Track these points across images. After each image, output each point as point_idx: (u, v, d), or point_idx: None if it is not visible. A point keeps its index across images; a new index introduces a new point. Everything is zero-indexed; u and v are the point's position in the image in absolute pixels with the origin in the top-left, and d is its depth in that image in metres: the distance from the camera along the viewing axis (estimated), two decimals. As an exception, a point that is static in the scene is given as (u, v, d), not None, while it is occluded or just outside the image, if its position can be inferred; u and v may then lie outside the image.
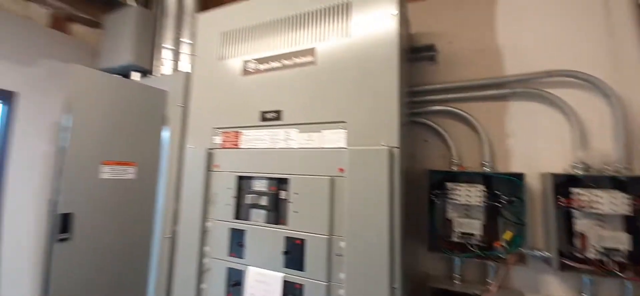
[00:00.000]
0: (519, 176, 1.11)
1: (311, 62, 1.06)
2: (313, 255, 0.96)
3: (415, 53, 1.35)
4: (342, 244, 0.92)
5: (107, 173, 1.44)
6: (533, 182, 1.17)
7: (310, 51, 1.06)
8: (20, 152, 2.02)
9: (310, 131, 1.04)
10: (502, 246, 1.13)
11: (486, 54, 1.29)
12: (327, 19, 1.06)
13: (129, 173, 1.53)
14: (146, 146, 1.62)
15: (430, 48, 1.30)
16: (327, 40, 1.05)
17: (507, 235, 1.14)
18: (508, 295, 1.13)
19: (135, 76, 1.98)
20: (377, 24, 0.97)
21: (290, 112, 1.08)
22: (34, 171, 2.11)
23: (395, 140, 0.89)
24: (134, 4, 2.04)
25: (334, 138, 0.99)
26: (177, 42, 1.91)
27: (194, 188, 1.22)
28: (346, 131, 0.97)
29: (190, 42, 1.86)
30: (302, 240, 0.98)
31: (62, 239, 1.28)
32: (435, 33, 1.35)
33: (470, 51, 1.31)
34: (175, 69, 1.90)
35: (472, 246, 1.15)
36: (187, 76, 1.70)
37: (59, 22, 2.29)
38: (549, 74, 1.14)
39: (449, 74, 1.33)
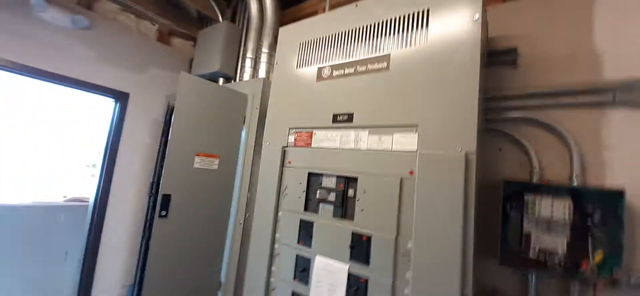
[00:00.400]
0: (619, 193, 0.99)
1: (384, 68, 1.12)
2: (379, 252, 1.00)
3: (493, 57, 1.29)
4: (410, 244, 0.95)
5: (198, 163, 1.71)
6: (634, 201, 1.02)
7: (385, 58, 1.12)
8: (127, 143, 2.50)
9: (381, 133, 1.09)
10: (592, 268, 1.02)
11: (579, 58, 1.17)
12: (403, 27, 1.10)
13: (214, 164, 1.78)
14: (227, 142, 1.86)
15: (512, 52, 1.24)
16: (403, 47, 1.09)
17: (598, 256, 1.02)
18: (598, 325, 1.00)
19: (220, 82, 2.29)
20: (457, 30, 0.98)
21: (362, 116, 1.15)
22: (137, 159, 2.58)
23: (472, 146, 0.88)
24: (222, 19, 2.36)
25: (405, 142, 1.02)
26: (257, 52, 2.16)
27: (270, 181, 1.37)
28: (418, 135, 1.00)
29: (268, 51, 2.07)
30: (368, 237, 1.03)
31: (162, 216, 1.55)
32: (517, 36, 1.28)
33: (559, 55, 1.20)
34: (254, 75, 2.14)
35: (554, 265, 1.06)
36: (265, 81, 1.90)
37: (163, 36, 2.77)
38: (664, 79, 0.99)
39: (532, 79, 1.24)
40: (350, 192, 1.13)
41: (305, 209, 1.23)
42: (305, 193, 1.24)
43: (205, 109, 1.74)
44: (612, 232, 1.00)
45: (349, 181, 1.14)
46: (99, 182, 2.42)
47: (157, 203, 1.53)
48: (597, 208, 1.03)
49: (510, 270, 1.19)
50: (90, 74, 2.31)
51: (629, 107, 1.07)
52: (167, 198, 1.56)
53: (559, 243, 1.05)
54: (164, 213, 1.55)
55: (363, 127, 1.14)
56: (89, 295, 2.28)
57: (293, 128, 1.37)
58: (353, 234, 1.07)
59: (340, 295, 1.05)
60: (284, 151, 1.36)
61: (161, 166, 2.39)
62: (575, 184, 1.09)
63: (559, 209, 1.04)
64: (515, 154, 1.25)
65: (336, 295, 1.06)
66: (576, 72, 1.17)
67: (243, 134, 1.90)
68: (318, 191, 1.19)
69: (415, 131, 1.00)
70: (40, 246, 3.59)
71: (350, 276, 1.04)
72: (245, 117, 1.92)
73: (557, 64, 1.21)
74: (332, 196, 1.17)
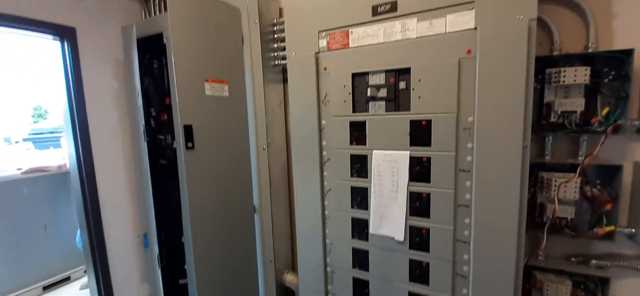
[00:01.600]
0: (628, 52, 1.15)
1: (431, -56, 1.04)
2: (440, 131, 1.08)
3: None
4: (470, 118, 1.03)
5: (209, 90, 1.55)
6: (635, 61, 1.20)
7: None
8: (92, 91, 2.13)
9: (431, 17, 1.07)
10: (599, 121, 1.23)
11: None
12: None
13: (225, 90, 1.64)
14: (231, 65, 1.68)
15: None
16: None
17: (605, 111, 1.23)
18: (602, 162, 1.25)
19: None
20: None
21: (407, 1, 1.10)
22: (110, 107, 2.25)
23: (534, 12, 0.92)
24: None
25: (461, 21, 1.02)
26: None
27: (306, 93, 1.31)
28: (474, 10, 1.00)
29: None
30: (428, 121, 1.09)
31: (189, 148, 1.44)
32: None
33: None
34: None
35: (570, 124, 1.25)
36: (262, -10, 1.67)
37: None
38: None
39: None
40: (402, 84, 1.14)
41: (354, 111, 1.23)
42: (351, 95, 1.23)
43: (201, 29, 1.51)
44: (619, 87, 1.19)
45: (400, 74, 1.15)
46: (75, 145, 2.08)
47: (180, 135, 1.40)
48: (608, 68, 1.20)
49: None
50: (16, 5, 1.78)
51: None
52: (189, 129, 1.43)
53: (577, 104, 1.22)
54: (190, 144, 1.43)
55: (410, 15, 1.10)
56: (105, 254, 2.14)
57: (323, 31, 1.27)
58: (411, 122, 1.12)
59: (404, 176, 1.14)
60: (317, 57, 1.29)
61: (144, 110, 2.13)
62: (590, 51, 1.23)
63: (580, 74, 1.19)
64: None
65: (400, 178, 1.15)
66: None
67: (246, 55, 1.73)
68: (368, 90, 1.18)
69: (471, 8, 1.00)
70: (12, 223, 3.21)
71: (412, 159, 1.13)
72: (242, 35, 1.72)
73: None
74: (382, 92, 1.17)
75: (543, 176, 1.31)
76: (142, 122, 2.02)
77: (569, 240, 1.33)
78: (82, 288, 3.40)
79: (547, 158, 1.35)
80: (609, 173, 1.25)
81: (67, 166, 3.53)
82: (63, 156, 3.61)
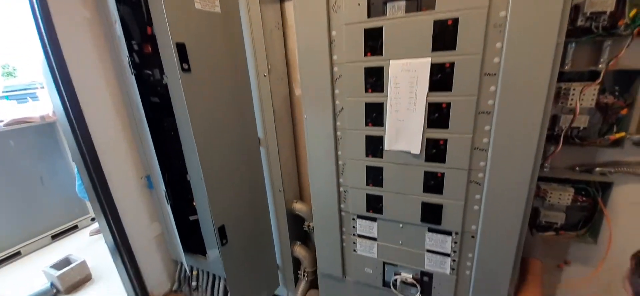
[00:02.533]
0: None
1: None
2: (467, 31, 0.98)
3: None
4: (503, 13, 0.94)
5: (198, 2, 1.36)
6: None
7: None
8: (64, 29, 1.87)
9: None
10: (626, 23, 1.15)
11: None
12: None
13: (216, 5, 1.45)
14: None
15: None
16: None
17: (632, 13, 1.14)
18: (623, 67, 1.21)
19: None
20: None
21: None
22: (86, 41, 2.01)
23: None
24: None
25: None
26: None
27: (312, -2, 1.16)
28: None
29: None
30: (454, 20, 0.99)
31: (185, 70, 1.31)
32: None
33: None
34: None
35: (597, 28, 1.17)
36: None
37: None
38: None
39: None
40: (426, -22, 1.01)
41: (369, 15, 1.11)
42: (365, -3, 1.09)
43: None
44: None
45: (424, -35, 1.01)
46: (57, 88, 1.87)
47: (174, 55, 1.26)
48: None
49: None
50: None
51: None
52: (182, 47, 1.29)
53: (608, 3, 1.13)
54: (185, 65, 1.30)
55: None
56: (111, 198, 2.08)
57: None
58: (435, 22, 1.01)
59: (424, 86, 1.07)
60: (326, -47, 1.11)
61: (126, 41, 1.92)
62: (630, -61, 1.10)
63: (616, -34, 1.08)
64: None
65: (418, 88, 1.08)
66: None
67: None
68: (384, -12, 1.05)
69: None
70: (7, 178, 3.13)
71: (433, 66, 1.05)
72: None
73: None
74: (402, -10, 1.04)
75: (560, 86, 1.27)
76: (125, 52, 1.83)
77: (575, 150, 1.36)
78: (92, 234, 3.46)
79: (567, 67, 1.29)
80: (629, 79, 1.22)
81: (50, 115, 3.33)
82: (44, 107, 3.39)
